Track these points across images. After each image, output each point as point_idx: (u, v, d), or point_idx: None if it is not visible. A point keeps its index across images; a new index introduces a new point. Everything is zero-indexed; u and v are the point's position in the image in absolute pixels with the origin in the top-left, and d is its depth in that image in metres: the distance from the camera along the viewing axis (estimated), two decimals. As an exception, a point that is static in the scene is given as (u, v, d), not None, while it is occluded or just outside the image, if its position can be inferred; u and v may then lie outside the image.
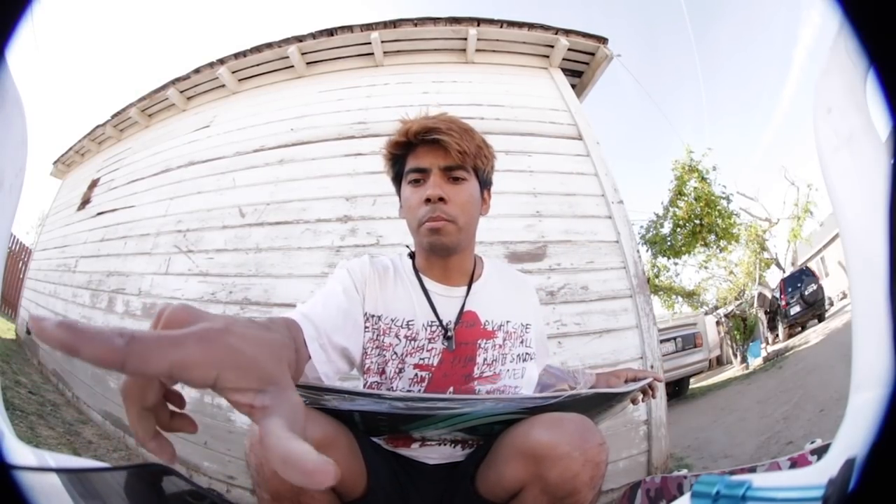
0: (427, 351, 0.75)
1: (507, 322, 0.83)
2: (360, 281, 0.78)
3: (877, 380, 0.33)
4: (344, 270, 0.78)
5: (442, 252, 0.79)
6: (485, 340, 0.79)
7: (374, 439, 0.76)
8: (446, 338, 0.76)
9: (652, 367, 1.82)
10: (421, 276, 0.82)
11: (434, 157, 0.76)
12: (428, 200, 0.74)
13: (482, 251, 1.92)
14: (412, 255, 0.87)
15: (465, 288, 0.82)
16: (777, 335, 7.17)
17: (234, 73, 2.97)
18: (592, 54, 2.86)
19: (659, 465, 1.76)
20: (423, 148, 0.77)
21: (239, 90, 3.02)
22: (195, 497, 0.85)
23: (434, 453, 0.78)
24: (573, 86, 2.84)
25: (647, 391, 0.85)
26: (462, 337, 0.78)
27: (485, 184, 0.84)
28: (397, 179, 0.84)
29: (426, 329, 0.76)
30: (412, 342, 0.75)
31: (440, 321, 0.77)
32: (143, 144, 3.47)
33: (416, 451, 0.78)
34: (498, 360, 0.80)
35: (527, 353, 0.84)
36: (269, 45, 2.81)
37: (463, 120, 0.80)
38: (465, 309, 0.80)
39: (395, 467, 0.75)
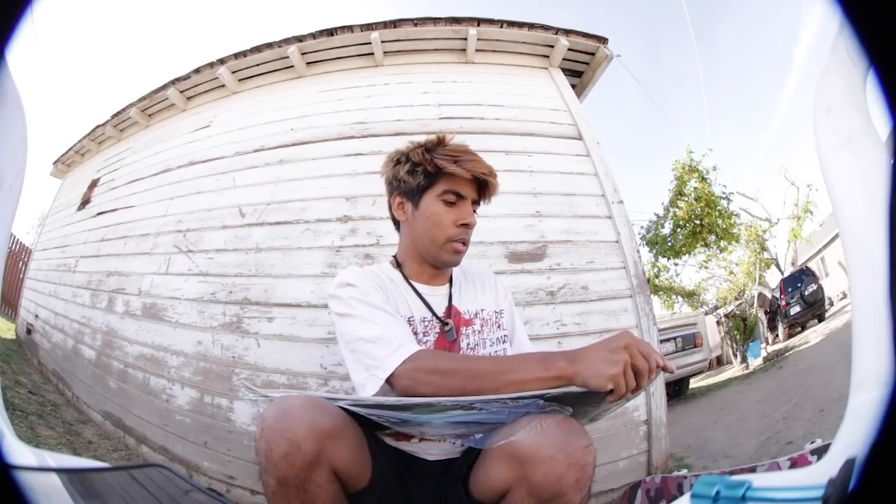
0: (422, 343, 0.85)
1: (482, 310, 0.96)
2: (377, 287, 0.88)
3: (877, 380, 0.33)
4: (359, 287, 0.85)
5: (452, 266, 0.95)
6: (465, 327, 0.92)
7: (379, 435, 0.78)
8: (445, 329, 0.88)
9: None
10: (411, 282, 0.94)
11: (471, 189, 0.92)
12: (465, 225, 0.90)
13: (483, 251, 1.93)
14: (397, 264, 0.98)
15: (446, 287, 0.96)
16: (777, 335, 7.17)
17: (234, 73, 2.96)
18: (592, 54, 2.86)
19: (659, 465, 1.76)
20: (466, 178, 0.90)
21: (239, 90, 3.01)
22: (195, 497, 0.85)
23: (434, 449, 0.81)
24: (573, 86, 2.84)
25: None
26: (457, 325, 0.90)
27: None
28: (420, 189, 0.93)
29: (421, 324, 0.88)
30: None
31: (437, 316, 0.89)
32: (143, 144, 3.47)
33: (416, 446, 0.80)
34: (479, 343, 0.91)
35: (504, 336, 0.97)
36: (269, 45, 2.81)
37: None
38: (451, 304, 0.93)
39: (397, 463, 0.77)
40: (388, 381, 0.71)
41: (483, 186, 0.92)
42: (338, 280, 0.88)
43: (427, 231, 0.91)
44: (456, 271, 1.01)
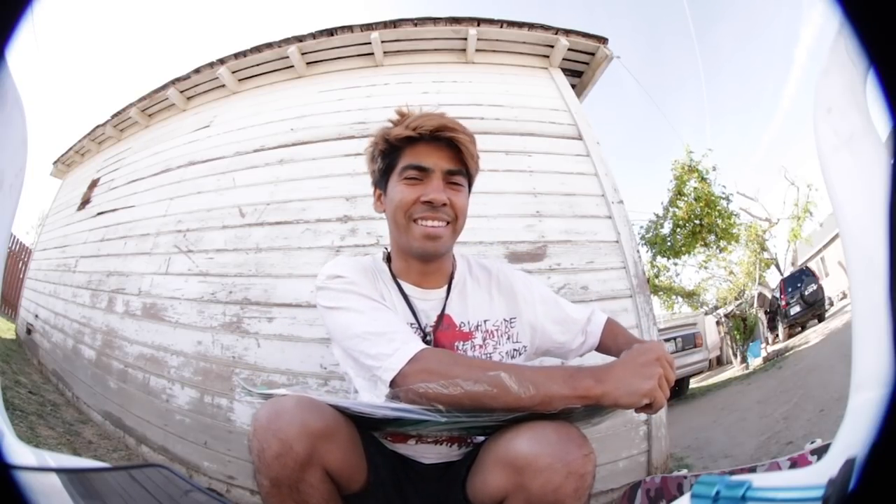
0: None
1: (486, 321, 0.82)
2: (368, 279, 0.79)
3: (877, 380, 0.33)
4: (348, 278, 0.76)
5: (430, 259, 0.79)
6: (462, 342, 0.80)
7: (376, 436, 0.76)
8: (425, 342, 0.75)
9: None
10: (399, 280, 0.82)
11: (439, 158, 0.75)
12: (430, 203, 0.74)
13: (482, 251, 1.92)
14: (387, 258, 0.87)
15: (442, 290, 0.82)
16: (777, 335, 7.17)
17: (234, 73, 2.96)
18: (592, 54, 2.86)
19: (659, 465, 1.76)
20: (428, 146, 0.75)
21: (239, 90, 3.01)
22: (195, 497, 0.85)
23: (430, 452, 0.78)
24: (573, 86, 2.84)
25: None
26: (440, 340, 0.78)
27: (470, 191, 0.86)
28: (385, 173, 0.81)
29: None
30: None
31: (420, 326, 0.78)
32: (143, 144, 3.47)
33: (412, 449, 0.78)
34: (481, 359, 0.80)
35: (515, 349, 0.84)
36: (269, 45, 2.80)
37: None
38: (444, 312, 0.80)
39: (395, 466, 0.76)
40: (392, 383, 0.64)
41: (452, 147, 0.74)
42: (325, 271, 0.77)
43: (392, 217, 0.78)
44: (461, 270, 0.86)
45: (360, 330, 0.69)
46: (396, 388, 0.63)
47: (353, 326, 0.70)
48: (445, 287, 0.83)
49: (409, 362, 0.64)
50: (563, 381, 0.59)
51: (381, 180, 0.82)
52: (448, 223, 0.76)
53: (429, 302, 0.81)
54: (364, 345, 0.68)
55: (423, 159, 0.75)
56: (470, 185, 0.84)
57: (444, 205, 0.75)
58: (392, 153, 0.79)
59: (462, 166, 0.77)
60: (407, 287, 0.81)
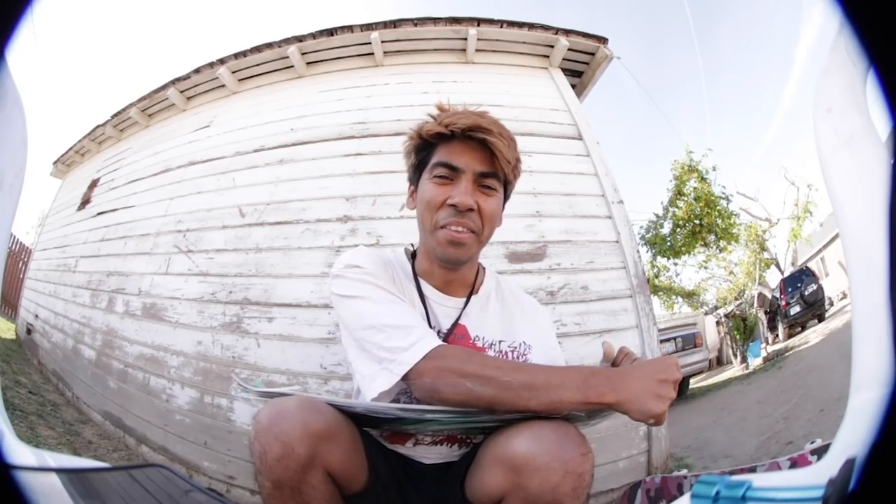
0: None
1: (501, 342, 0.81)
2: (388, 273, 0.77)
3: (877, 380, 0.33)
4: (367, 269, 0.74)
5: (453, 265, 0.78)
6: None
7: (376, 437, 0.76)
8: None
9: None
10: (420, 280, 0.80)
11: (471, 159, 0.72)
12: (454, 207, 0.71)
13: (483, 251, 1.92)
14: (412, 255, 0.85)
15: (462, 300, 0.81)
16: (777, 335, 7.17)
17: (234, 73, 2.96)
18: (592, 54, 2.86)
19: (659, 465, 1.76)
20: (462, 145, 0.73)
21: (239, 90, 3.01)
22: (195, 497, 0.85)
23: (430, 452, 0.78)
24: (573, 86, 2.84)
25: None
26: None
27: (506, 198, 0.85)
28: (417, 169, 0.79)
29: None
30: None
31: (431, 326, 0.77)
32: (143, 144, 3.47)
33: (411, 450, 0.78)
34: None
35: None
36: (269, 45, 2.81)
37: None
38: (459, 322, 0.79)
39: (395, 466, 0.76)
40: (404, 377, 0.62)
41: (486, 148, 0.71)
42: (343, 260, 0.75)
43: (419, 217, 0.77)
44: (488, 285, 0.86)
45: (376, 321, 0.67)
46: (409, 381, 0.62)
47: (368, 317, 0.68)
48: (465, 297, 0.82)
49: (424, 358, 0.62)
50: (577, 387, 0.57)
51: (415, 176, 0.81)
52: (473, 232, 0.74)
53: (446, 308, 0.80)
54: (379, 336, 0.66)
55: (454, 158, 0.73)
56: (507, 190, 0.82)
57: (471, 210, 0.72)
58: (425, 149, 0.77)
59: (496, 169, 0.74)
60: (427, 289, 0.80)
